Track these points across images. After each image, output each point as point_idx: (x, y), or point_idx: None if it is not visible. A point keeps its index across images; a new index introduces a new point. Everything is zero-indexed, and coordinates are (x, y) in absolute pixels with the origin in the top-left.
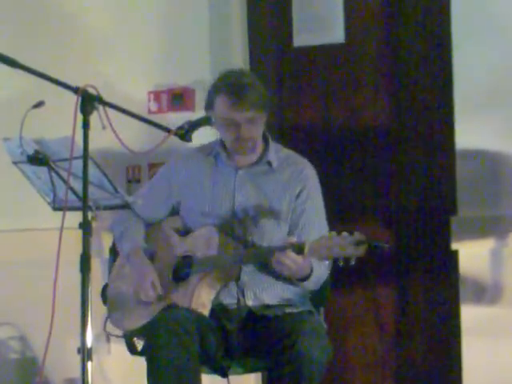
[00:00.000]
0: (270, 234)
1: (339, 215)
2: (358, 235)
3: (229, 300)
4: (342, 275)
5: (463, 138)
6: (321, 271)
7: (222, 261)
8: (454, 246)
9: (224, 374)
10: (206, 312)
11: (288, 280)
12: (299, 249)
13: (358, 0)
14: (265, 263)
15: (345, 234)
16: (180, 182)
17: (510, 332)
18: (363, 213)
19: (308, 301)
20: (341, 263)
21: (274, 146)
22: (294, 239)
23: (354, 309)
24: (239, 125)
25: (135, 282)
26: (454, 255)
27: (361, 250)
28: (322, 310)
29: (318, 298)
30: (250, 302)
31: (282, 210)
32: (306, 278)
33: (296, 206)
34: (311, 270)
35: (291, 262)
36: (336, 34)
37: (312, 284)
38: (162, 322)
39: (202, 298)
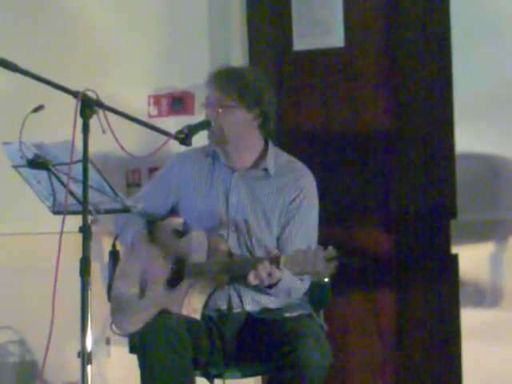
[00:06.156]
0: (262, 238)
1: (338, 217)
2: (330, 251)
3: (227, 305)
4: (342, 278)
5: (463, 141)
6: (295, 283)
7: (208, 269)
8: (454, 249)
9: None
10: (197, 316)
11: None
12: (275, 261)
13: (358, 4)
14: (243, 275)
15: (318, 248)
16: (178, 182)
17: (510, 335)
18: (363, 216)
19: (307, 304)
20: (314, 280)
21: (273, 151)
22: (274, 251)
23: (354, 312)
24: (211, 105)
25: (144, 266)
26: (454, 259)
27: (331, 267)
28: (321, 312)
29: (317, 300)
30: (248, 307)
31: (274, 216)
32: (271, 286)
33: (287, 212)
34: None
35: (267, 275)
36: (336, 37)
37: (281, 292)
38: (154, 329)
39: (192, 303)
